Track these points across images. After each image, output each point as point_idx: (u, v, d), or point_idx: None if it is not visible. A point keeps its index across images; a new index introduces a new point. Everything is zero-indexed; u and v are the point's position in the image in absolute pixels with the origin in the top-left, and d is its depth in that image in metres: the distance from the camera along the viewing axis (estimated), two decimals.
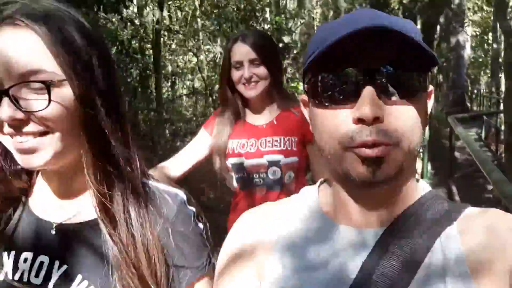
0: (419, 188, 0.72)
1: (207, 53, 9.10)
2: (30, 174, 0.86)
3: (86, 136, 0.75)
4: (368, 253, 0.65)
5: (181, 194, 0.85)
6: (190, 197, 0.86)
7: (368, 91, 0.60)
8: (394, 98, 0.62)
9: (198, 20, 8.96)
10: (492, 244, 0.63)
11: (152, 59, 7.30)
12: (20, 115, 0.71)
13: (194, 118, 8.49)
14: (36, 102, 0.71)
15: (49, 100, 0.71)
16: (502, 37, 7.72)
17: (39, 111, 0.71)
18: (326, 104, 0.64)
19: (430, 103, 0.68)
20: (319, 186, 0.78)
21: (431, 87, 0.67)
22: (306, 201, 0.76)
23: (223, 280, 0.75)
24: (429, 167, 6.64)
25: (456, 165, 7.19)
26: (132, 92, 6.53)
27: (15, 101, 0.70)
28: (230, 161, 1.82)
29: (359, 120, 0.61)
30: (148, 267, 0.77)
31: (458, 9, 13.72)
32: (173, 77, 9.66)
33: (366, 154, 0.61)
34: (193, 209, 0.85)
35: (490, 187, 5.84)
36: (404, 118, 0.62)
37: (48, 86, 0.71)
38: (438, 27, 13.08)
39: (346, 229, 0.69)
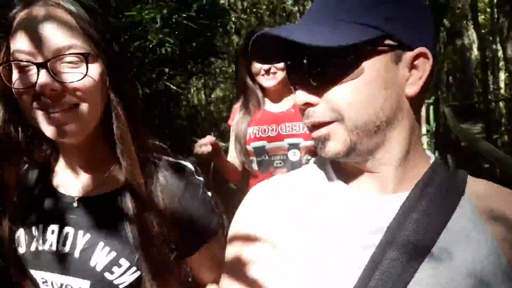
0: (425, 157, 0.72)
1: None
2: (50, 151, 0.92)
3: (117, 104, 0.82)
4: (390, 217, 0.66)
5: (190, 166, 0.91)
6: (197, 169, 0.93)
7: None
8: (324, 81, 0.65)
9: None
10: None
11: None
12: (57, 85, 0.76)
13: None
14: (71, 74, 0.77)
15: (86, 72, 0.77)
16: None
17: (75, 81, 0.77)
18: None
19: (413, 75, 0.66)
20: None
21: (404, 61, 0.65)
22: (318, 170, 0.77)
23: (235, 247, 0.76)
24: (436, 154, 7.14)
25: (464, 154, 7.60)
26: None
27: (53, 72, 0.76)
28: (252, 145, 1.98)
29: (304, 105, 0.67)
30: (161, 230, 0.83)
31: (463, 12, 14.14)
32: None
33: (312, 135, 0.69)
34: (201, 179, 0.92)
35: (497, 170, 6.25)
36: (340, 97, 0.64)
37: (86, 58, 0.78)
38: (443, 29, 13.51)
39: (362, 195, 0.69)
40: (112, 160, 0.86)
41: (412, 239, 0.64)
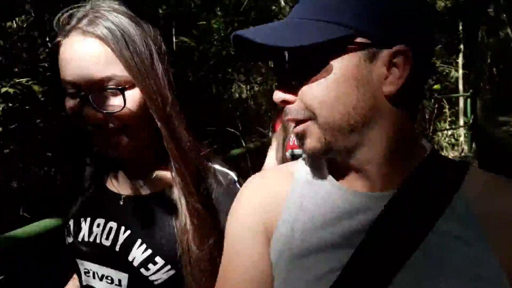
0: (419, 150, 0.71)
1: None
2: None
3: (161, 125, 0.83)
4: (376, 215, 0.65)
5: (232, 174, 0.94)
6: (239, 178, 0.95)
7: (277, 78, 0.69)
8: (299, 80, 0.65)
9: None
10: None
11: None
12: (100, 115, 0.80)
13: None
14: (112, 105, 0.80)
15: (124, 102, 0.80)
16: None
17: (116, 112, 0.80)
18: None
19: (394, 74, 0.63)
20: None
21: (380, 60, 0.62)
22: (312, 164, 0.77)
23: (232, 240, 0.76)
24: (474, 146, 7.50)
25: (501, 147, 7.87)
26: None
27: (95, 103, 0.80)
28: (291, 152, 2.04)
29: (281, 103, 0.68)
30: (201, 230, 0.86)
31: (506, 3, 13.99)
32: None
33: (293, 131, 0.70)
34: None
35: None
36: (312, 96, 0.64)
37: (122, 90, 0.79)
38: (486, 20, 13.43)
39: (351, 192, 0.69)
40: (159, 163, 0.91)
41: (393, 241, 0.63)
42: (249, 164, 4.32)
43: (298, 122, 0.67)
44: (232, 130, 5.31)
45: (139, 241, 0.88)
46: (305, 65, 0.65)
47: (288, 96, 0.67)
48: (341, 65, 0.63)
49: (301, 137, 0.68)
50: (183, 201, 0.86)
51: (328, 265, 0.66)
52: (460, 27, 9.69)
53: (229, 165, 0.96)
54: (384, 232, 0.65)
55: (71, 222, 0.96)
